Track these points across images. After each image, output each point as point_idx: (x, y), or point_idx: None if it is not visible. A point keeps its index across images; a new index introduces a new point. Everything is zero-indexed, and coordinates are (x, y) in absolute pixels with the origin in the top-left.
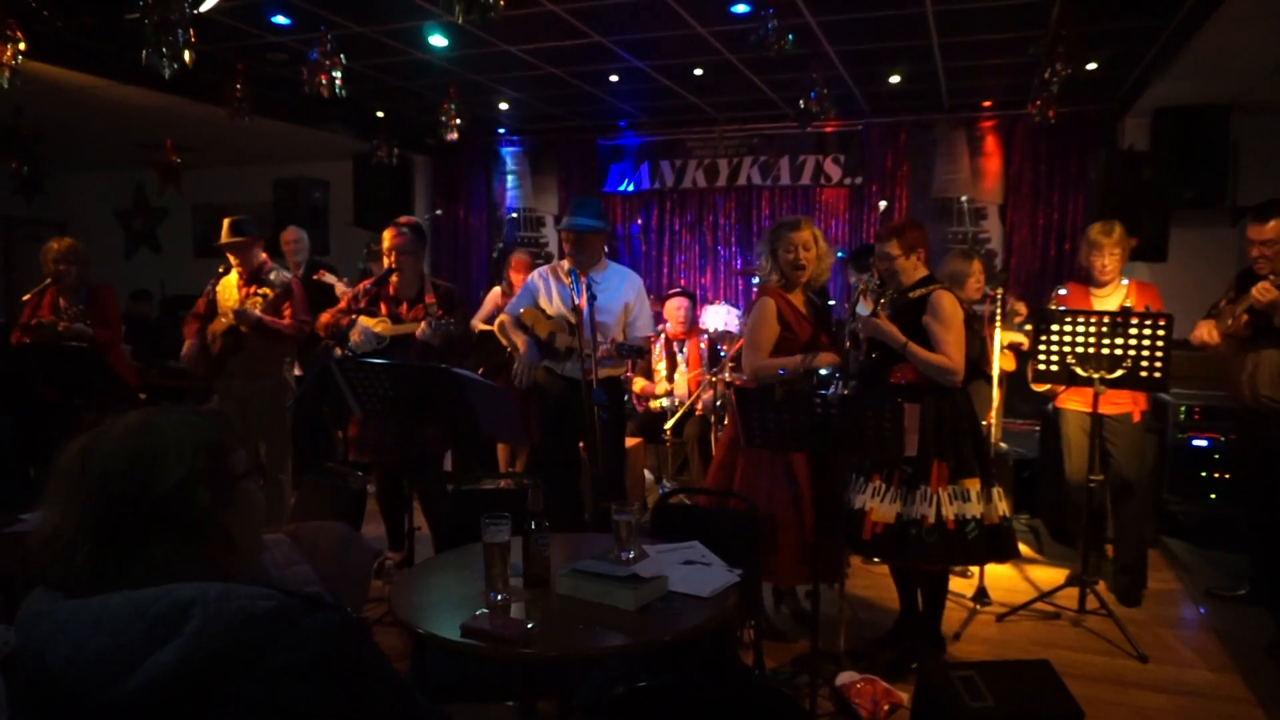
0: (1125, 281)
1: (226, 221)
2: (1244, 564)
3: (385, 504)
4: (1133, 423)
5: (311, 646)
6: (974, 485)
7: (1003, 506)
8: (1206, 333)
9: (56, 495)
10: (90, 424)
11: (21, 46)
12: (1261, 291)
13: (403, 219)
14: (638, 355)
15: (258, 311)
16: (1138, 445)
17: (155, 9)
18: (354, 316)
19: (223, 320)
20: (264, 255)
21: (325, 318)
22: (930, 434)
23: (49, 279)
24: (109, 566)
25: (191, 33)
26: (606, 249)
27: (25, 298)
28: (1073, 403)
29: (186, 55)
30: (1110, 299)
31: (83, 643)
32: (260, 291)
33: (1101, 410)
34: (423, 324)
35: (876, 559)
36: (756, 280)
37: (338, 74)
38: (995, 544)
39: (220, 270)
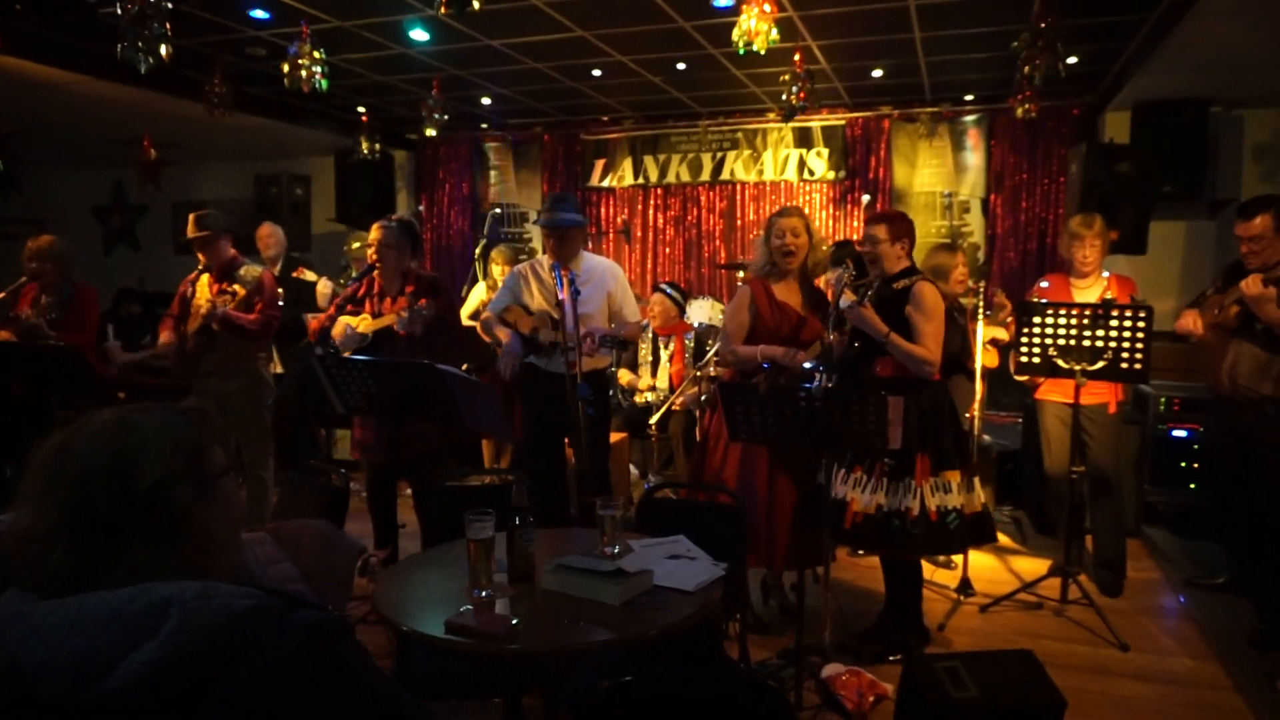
0: (1106, 274)
1: (192, 216)
2: (1223, 553)
3: (374, 502)
4: (1109, 413)
5: (292, 645)
6: (955, 477)
7: (982, 495)
8: (1191, 322)
9: (31, 494)
10: (66, 421)
11: None
12: (1249, 285)
13: (394, 216)
14: (621, 346)
15: (228, 308)
16: (1114, 435)
17: (130, 2)
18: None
19: (196, 319)
20: (233, 250)
21: (314, 324)
22: (913, 428)
23: (24, 277)
24: (85, 566)
25: (168, 27)
26: (589, 244)
27: (0, 295)
28: (1052, 394)
29: (163, 50)
30: (1090, 291)
31: (59, 644)
32: (231, 288)
33: (1079, 399)
34: (394, 316)
35: (860, 550)
36: (741, 275)
37: (318, 69)
38: (976, 531)
39: (200, 268)
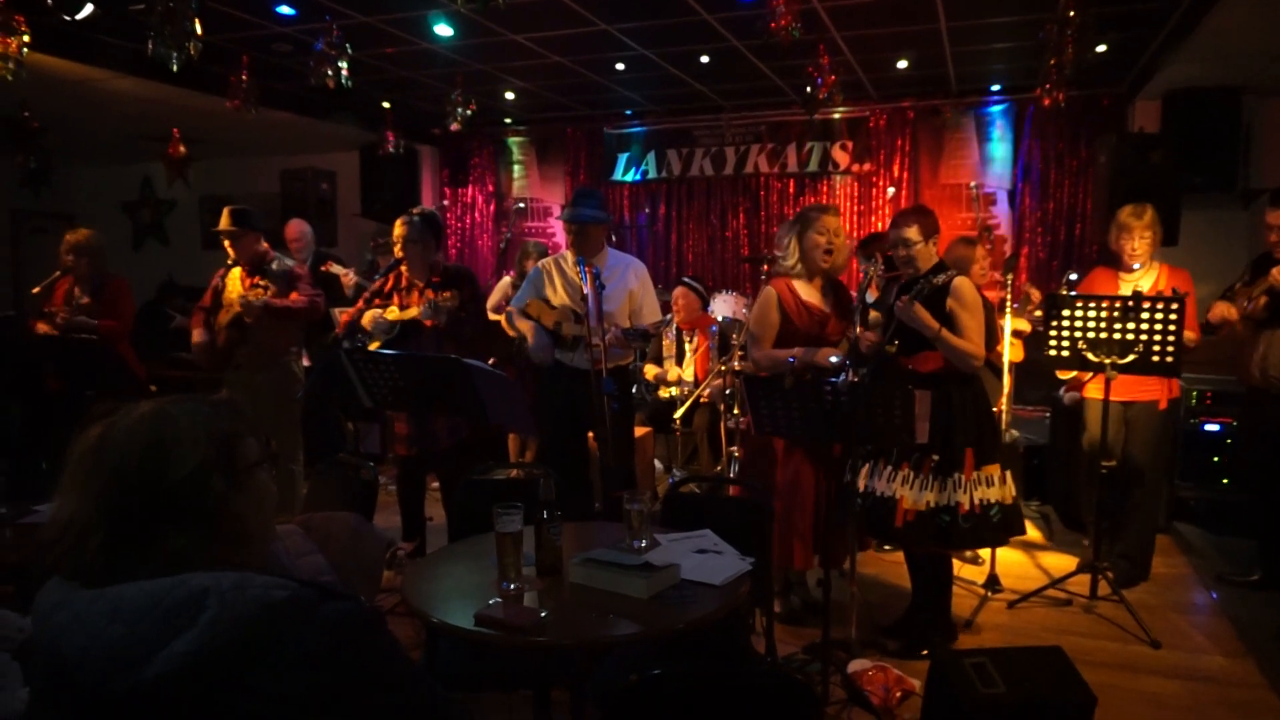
0: (1152, 265)
1: (227, 209)
2: (1256, 549)
3: (404, 495)
4: (1158, 410)
5: (327, 636)
6: (994, 471)
7: (1013, 488)
8: (1225, 309)
9: (70, 485)
10: (103, 414)
11: (26, 39)
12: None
13: (416, 210)
14: (644, 340)
15: (266, 298)
16: (1156, 432)
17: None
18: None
19: (228, 312)
20: (265, 245)
21: (343, 318)
22: (958, 422)
23: (58, 271)
24: (123, 556)
25: (198, 24)
26: (614, 238)
27: (35, 290)
28: (1099, 392)
29: (192, 47)
30: (1143, 283)
31: (99, 633)
32: (262, 282)
33: (1129, 397)
34: (416, 308)
35: (911, 548)
36: (765, 269)
37: (343, 65)
38: (1011, 522)
39: (229, 262)
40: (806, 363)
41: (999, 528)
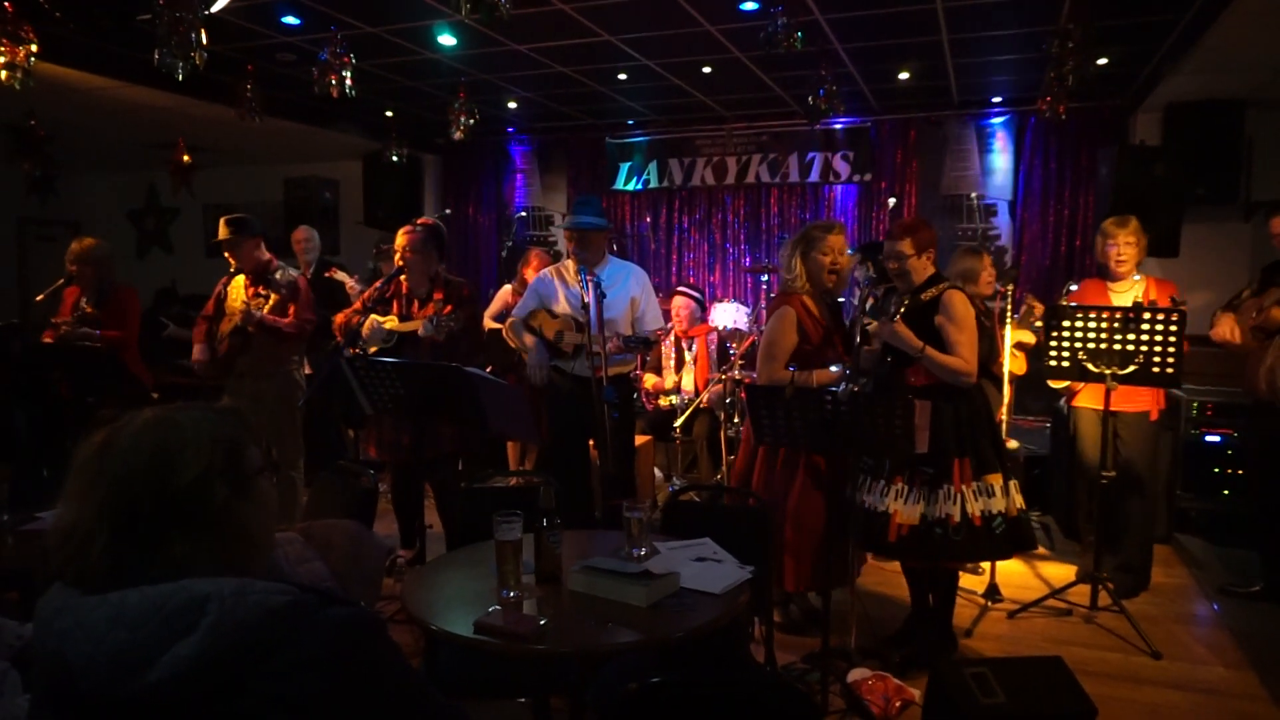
0: (1137, 277)
1: (223, 220)
2: (1257, 560)
3: (398, 502)
4: (1149, 421)
5: (327, 641)
6: (997, 480)
7: (1018, 498)
8: (1229, 331)
9: (74, 491)
10: (107, 420)
11: (34, 48)
12: None
13: (420, 220)
14: (645, 347)
15: (263, 311)
16: (1149, 442)
17: (167, 10)
18: (365, 315)
19: (230, 320)
20: (268, 254)
21: (339, 318)
22: (950, 432)
23: (61, 279)
24: (126, 562)
25: (204, 34)
26: (615, 247)
27: (38, 299)
28: (1090, 401)
29: (198, 57)
30: (1128, 294)
31: (101, 638)
32: (265, 292)
33: (1119, 407)
34: (420, 322)
35: (905, 561)
36: (765, 278)
37: (348, 74)
38: (1018, 536)
39: (231, 270)
40: (818, 383)
41: (1003, 540)
